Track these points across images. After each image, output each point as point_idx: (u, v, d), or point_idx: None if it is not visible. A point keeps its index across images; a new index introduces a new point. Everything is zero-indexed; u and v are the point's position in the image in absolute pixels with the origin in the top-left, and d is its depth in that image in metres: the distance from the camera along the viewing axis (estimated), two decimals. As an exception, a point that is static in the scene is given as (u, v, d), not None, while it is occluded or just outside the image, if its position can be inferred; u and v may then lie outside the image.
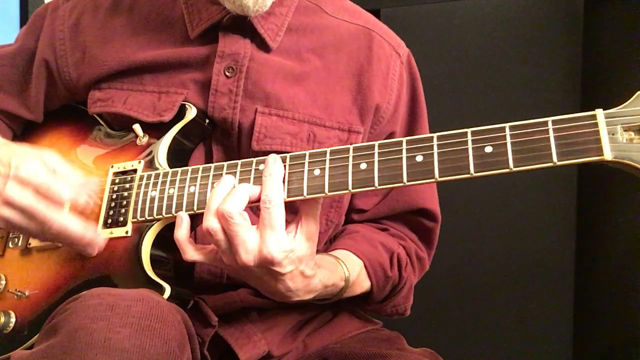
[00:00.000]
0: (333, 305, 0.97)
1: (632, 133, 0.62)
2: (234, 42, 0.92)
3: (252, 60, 0.92)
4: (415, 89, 1.04)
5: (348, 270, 0.89)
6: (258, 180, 0.77)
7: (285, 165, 0.76)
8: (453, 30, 1.75)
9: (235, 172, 0.79)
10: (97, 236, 0.84)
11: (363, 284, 0.94)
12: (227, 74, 0.91)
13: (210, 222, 0.73)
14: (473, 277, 1.74)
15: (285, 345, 0.93)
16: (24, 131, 1.07)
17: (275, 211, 0.72)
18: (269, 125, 0.90)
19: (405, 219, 1.04)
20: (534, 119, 0.67)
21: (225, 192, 0.75)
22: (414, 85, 1.04)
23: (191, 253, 0.78)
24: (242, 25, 0.92)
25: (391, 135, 1.01)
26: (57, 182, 0.82)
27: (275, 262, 0.73)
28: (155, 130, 0.91)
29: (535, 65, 1.68)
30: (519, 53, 1.70)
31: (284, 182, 0.76)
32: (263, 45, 0.93)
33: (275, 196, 0.73)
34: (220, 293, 0.92)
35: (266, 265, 0.73)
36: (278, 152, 0.89)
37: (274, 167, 0.75)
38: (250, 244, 0.72)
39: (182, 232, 0.78)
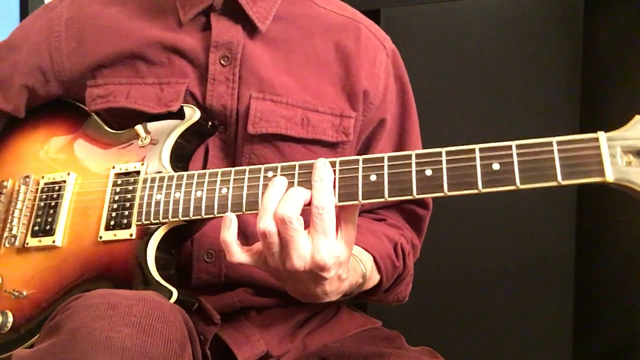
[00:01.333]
0: (332, 303, 0.97)
1: (631, 156, 0.64)
2: (226, 31, 0.93)
3: (245, 47, 0.93)
4: (403, 83, 1.05)
5: (365, 267, 0.89)
6: (265, 187, 0.76)
7: (294, 174, 0.76)
8: (453, 30, 1.75)
9: (244, 179, 0.79)
10: None
11: (374, 278, 0.94)
12: (222, 62, 0.92)
13: (267, 225, 0.71)
14: (473, 276, 1.74)
15: (284, 345, 0.93)
16: (10, 128, 1.04)
17: (328, 217, 0.71)
18: (264, 109, 0.91)
19: (400, 207, 1.05)
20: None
21: (280, 194, 0.73)
22: (402, 81, 1.05)
23: (239, 255, 0.75)
24: (233, 10, 0.93)
25: (383, 122, 1.01)
26: None
27: (326, 268, 0.72)
28: (157, 130, 0.91)
29: (535, 65, 1.68)
30: (518, 53, 1.70)
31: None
32: (253, 30, 0.95)
33: (327, 202, 0.71)
34: (219, 293, 0.92)
35: (315, 271, 0.72)
36: (274, 135, 0.91)
37: (324, 171, 0.74)
38: (303, 250, 0.71)
39: (231, 233, 0.75)
